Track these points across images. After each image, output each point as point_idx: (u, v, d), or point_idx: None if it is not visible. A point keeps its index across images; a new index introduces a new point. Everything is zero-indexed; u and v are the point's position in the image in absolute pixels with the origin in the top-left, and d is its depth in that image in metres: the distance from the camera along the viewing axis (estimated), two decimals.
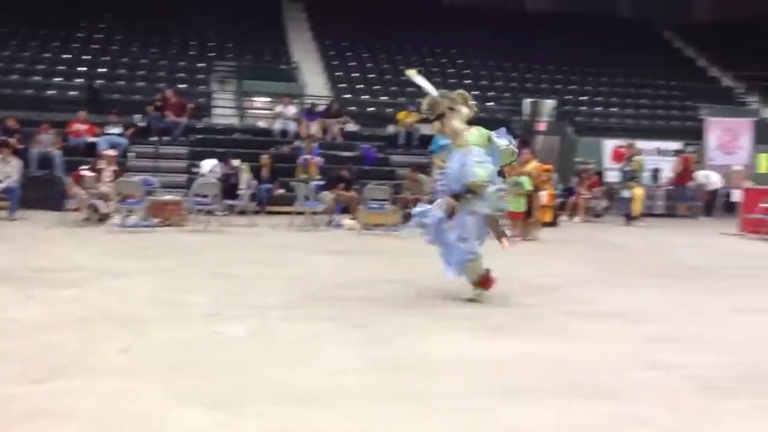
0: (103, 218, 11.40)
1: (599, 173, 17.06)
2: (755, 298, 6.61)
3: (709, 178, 17.38)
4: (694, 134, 19.69)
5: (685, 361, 4.37)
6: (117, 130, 15.62)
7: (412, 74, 6.14)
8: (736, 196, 15.04)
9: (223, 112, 18.47)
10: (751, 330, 5.31)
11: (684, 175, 17.02)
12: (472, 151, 5.75)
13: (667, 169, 17.52)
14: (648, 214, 15.20)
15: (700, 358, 4.46)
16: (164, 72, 19.75)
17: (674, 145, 18.60)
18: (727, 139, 18.23)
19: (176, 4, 23.54)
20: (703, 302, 6.40)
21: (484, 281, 5.95)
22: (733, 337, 5.07)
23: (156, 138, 16.21)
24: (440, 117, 5.90)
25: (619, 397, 3.68)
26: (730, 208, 16.61)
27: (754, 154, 18.47)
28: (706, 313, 5.94)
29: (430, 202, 11.75)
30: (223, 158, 14.31)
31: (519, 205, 10.94)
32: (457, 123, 5.86)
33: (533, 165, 11.53)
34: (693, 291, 6.98)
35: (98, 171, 11.93)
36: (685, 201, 17.21)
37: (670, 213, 17.10)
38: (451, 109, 5.86)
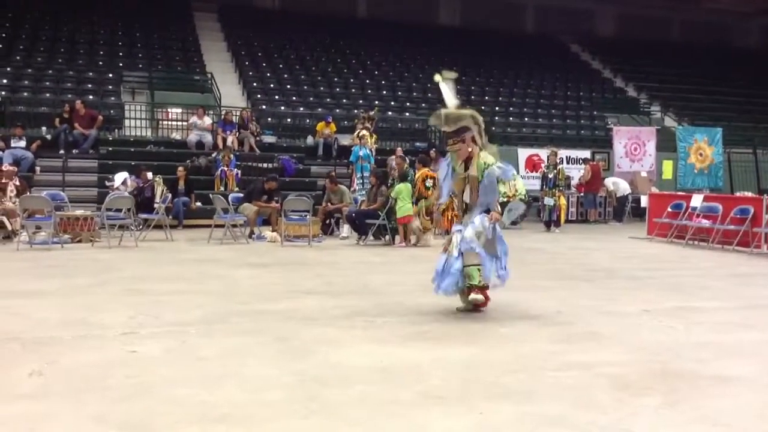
0: (9, 236, 10.88)
1: None
2: (664, 299, 6.89)
3: (618, 185, 18.09)
4: (602, 143, 20.49)
5: (599, 360, 4.52)
6: (22, 143, 14.96)
7: (440, 80, 6.00)
8: (644, 201, 15.71)
9: (135, 124, 17.96)
10: (661, 329, 5.53)
11: (594, 182, 17.67)
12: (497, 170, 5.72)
13: (578, 177, 18.15)
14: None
15: (613, 357, 4.61)
16: (72, 83, 19.06)
17: (584, 153, 19.30)
18: (633, 147, 19.04)
19: (83, 13, 22.86)
20: (616, 303, 6.63)
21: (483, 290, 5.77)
22: (644, 336, 5.26)
23: (64, 151, 15.61)
24: (459, 132, 5.84)
25: (536, 398, 3.76)
26: (638, 213, 17.33)
27: (658, 161, 19.35)
28: (619, 313, 6.15)
29: (350, 216, 11.87)
30: (135, 171, 13.93)
31: (404, 211, 11.27)
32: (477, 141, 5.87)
33: (421, 172, 11.89)
34: (605, 293, 7.23)
35: (2, 187, 11.39)
36: (596, 207, 17.87)
37: (582, 219, 17.72)
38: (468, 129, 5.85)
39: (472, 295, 5.75)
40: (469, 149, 5.86)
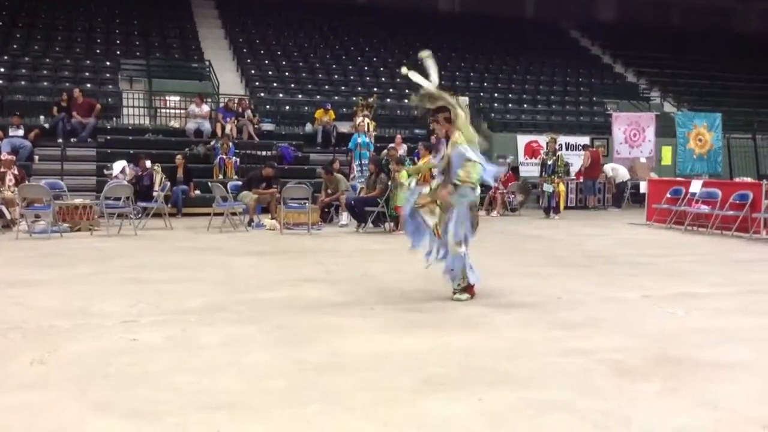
0: (8, 225, 10.87)
1: (515, 168, 17.48)
2: (663, 285, 6.89)
3: (617, 171, 18.08)
4: (601, 129, 20.45)
5: (599, 346, 4.52)
6: (20, 132, 14.93)
7: (405, 71, 5.95)
8: (643, 187, 15.70)
9: (133, 112, 17.90)
10: (660, 315, 5.54)
11: (593, 168, 17.65)
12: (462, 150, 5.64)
13: (577, 163, 18.13)
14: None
15: (613, 343, 4.62)
16: (69, 71, 18.99)
17: (583, 140, 19.27)
18: (632, 133, 19.01)
19: (80, 1, 22.78)
20: (615, 290, 6.63)
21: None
22: (644, 322, 5.27)
23: (62, 140, 15.58)
24: (439, 111, 5.77)
25: (536, 384, 3.77)
26: (637, 199, 17.33)
27: (657, 147, 19.32)
28: (618, 299, 6.16)
29: (350, 204, 11.81)
30: (134, 159, 13.91)
31: (401, 199, 11.25)
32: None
33: (425, 160, 11.84)
34: (605, 279, 7.24)
35: (0, 176, 11.37)
36: (595, 193, 17.87)
37: (581, 205, 17.72)
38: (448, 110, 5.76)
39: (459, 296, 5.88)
40: (448, 126, 5.81)
